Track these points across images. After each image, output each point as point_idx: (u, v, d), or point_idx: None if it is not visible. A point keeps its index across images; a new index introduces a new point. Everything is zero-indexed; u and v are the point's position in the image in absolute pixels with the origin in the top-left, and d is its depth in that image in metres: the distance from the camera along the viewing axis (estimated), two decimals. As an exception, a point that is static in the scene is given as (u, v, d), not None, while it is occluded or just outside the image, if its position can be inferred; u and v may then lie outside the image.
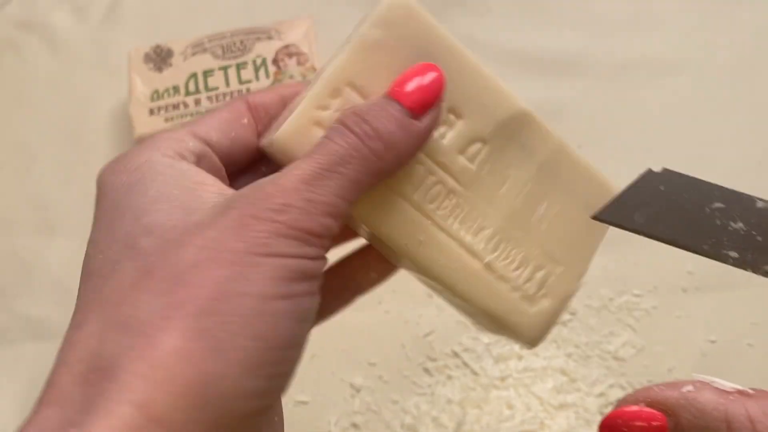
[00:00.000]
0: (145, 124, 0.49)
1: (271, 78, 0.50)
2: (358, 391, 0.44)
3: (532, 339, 0.27)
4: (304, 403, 0.44)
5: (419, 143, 0.24)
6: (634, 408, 0.23)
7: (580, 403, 0.43)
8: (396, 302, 0.46)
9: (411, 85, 0.24)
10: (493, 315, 0.27)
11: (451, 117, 0.26)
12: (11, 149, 0.53)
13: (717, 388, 0.22)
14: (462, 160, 0.26)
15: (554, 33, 0.56)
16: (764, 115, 0.51)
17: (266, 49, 0.51)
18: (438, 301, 0.49)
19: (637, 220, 0.25)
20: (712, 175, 0.26)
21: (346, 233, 0.28)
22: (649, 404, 0.22)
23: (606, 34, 0.55)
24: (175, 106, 0.49)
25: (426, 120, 0.24)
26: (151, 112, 0.49)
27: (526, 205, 0.27)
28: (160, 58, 0.51)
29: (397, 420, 0.43)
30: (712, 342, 0.44)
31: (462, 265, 0.26)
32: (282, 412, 0.25)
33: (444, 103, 0.25)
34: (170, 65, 0.51)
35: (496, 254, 0.26)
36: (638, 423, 0.22)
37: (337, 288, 0.29)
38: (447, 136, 0.26)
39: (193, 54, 0.51)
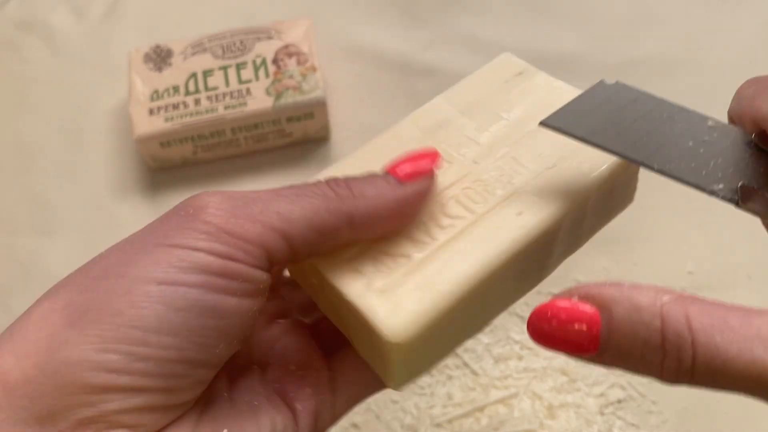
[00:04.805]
0: (144, 123, 0.49)
1: (271, 77, 0.50)
2: (357, 391, 0.44)
3: None
4: (303, 403, 0.44)
5: (404, 203, 0.24)
6: (565, 301, 0.21)
7: (580, 403, 0.43)
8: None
9: (400, 159, 0.25)
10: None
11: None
12: (11, 149, 0.53)
13: (659, 288, 0.21)
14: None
15: (554, 33, 0.56)
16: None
17: (266, 49, 0.51)
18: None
19: (584, 128, 0.24)
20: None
21: None
22: (582, 298, 0.21)
23: (606, 34, 0.55)
24: (175, 106, 0.49)
25: (412, 185, 0.24)
26: (151, 111, 0.49)
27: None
28: (159, 57, 0.51)
29: (396, 420, 0.43)
30: (713, 342, 0.44)
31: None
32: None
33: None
34: (170, 65, 0.51)
35: None
36: (567, 316, 0.21)
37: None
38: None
39: (193, 54, 0.51)
